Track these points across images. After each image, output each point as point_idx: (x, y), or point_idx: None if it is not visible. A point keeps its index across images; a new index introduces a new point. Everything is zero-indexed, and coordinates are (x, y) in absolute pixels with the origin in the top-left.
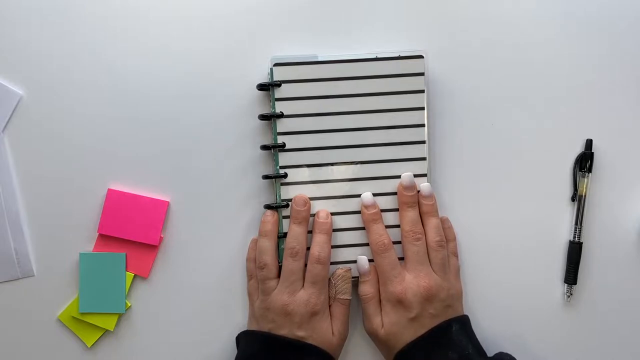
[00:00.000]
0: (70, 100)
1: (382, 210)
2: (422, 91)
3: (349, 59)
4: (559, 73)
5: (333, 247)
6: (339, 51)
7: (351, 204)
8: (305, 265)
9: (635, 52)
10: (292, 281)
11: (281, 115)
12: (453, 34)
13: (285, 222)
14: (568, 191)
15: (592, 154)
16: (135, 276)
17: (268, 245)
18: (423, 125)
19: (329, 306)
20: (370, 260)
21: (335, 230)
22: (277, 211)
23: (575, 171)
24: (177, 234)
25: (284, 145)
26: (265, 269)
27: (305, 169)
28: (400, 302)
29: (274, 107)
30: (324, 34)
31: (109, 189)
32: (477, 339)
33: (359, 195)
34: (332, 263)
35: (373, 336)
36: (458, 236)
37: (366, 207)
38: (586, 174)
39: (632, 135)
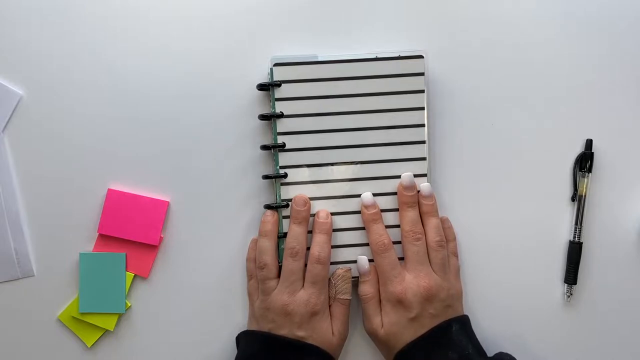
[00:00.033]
0: (70, 100)
1: (382, 210)
2: (422, 91)
3: (349, 59)
4: (559, 73)
5: (333, 247)
6: (339, 51)
7: (351, 204)
8: (305, 265)
9: (635, 52)
10: (292, 281)
11: (281, 115)
12: (453, 34)
13: (285, 222)
14: (568, 191)
15: (592, 154)
16: (135, 276)
17: (268, 245)
18: (423, 125)
19: (329, 306)
20: (370, 260)
21: (335, 230)
22: (277, 211)
23: (575, 171)
24: (177, 234)
25: (284, 145)
26: (265, 269)
27: (305, 169)
28: (400, 302)
29: (274, 107)
30: (324, 34)
31: (109, 189)
32: (477, 339)
33: (359, 195)
34: (332, 263)
35: (373, 336)
36: (458, 236)
37: (366, 207)
38: (586, 174)
39: (632, 135)
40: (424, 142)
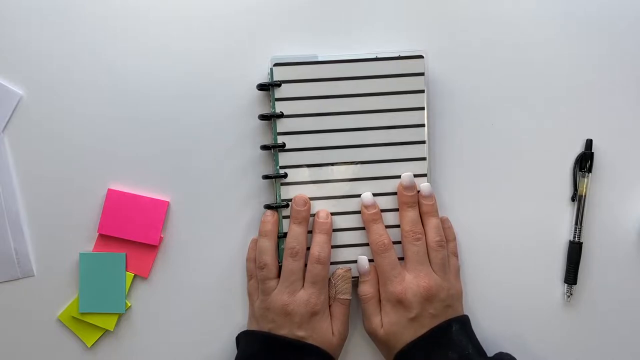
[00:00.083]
0: (70, 100)
1: (382, 210)
2: (422, 91)
3: (349, 59)
4: (559, 73)
5: (333, 247)
6: (339, 51)
7: (351, 204)
8: (305, 265)
9: (635, 52)
10: (292, 281)
11: (281, 115)
12: (453, 34)
13: (285, 222)
14: (568, 191)
15: (592, 154)
16: (135, 276)
17: (268, 245)
18: (423, 125)
19: (329, 306)
20: (370, 260)
21: (335, 230)
22: (277, 211)
23: (575, 171)
24: (177, 234)
25: (284, 145)
26: (265, 269)
27: (305, 169)
28: (400, 302)
29: (274, 107)
30: (324, 34)
31: (109, 189)
32: (477, 339)
33: (359, 195)
34: (332, 263)
35: (373, 336)
36: (458, 236)
37: (366, 207)
38: (586, 174)
39: (632, 135)
40: (424, 142)
